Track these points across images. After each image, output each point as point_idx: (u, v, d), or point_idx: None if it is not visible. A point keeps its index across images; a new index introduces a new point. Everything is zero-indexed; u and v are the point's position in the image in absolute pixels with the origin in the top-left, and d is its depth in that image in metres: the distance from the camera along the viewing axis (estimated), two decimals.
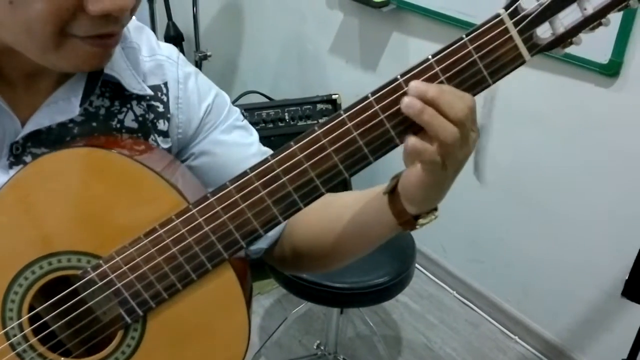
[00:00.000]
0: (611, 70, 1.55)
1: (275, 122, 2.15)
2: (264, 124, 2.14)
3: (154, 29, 2.66)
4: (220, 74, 3.02)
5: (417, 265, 2.28)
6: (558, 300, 1.92)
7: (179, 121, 0.73)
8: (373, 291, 1.51)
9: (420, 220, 0.63)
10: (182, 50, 2.62)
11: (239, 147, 0.76)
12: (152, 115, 0.71)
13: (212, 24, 2.96)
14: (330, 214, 0.73)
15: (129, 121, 0.69)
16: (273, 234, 0.77)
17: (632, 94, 1.55)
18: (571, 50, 0.55)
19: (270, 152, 0.79)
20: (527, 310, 2.03)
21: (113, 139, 0.67)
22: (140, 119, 0.70)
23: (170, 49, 0.74)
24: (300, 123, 2.15)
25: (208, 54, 2.62)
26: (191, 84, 0.74)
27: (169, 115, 0.72)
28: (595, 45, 1.54)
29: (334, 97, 2.18)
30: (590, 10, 0.53)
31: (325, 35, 2.41)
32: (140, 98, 0.70)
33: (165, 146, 0.72)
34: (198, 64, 2.66)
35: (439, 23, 1.91)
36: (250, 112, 2.11)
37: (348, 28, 2.32)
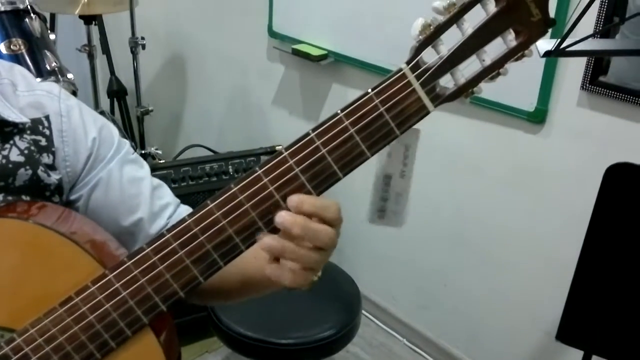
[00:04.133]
0: (537, 117, 1.62)
1: (219, 175, 2.13)
2: (207, 178, 2.12)
3: (95, 83, 2.63)
4: (164, 128, 3.00)
5: (366, 313, 2.26)
6: (504, 343, 1.93)
7: (66, 154, 0.72)
8: (319, 345, 1.49)
9: None
10: (125, 105, 2.60)
11: (132, 182, 0.76)
12: (35, 149, 0.70)
13: (155, 78, 2.96)
14: None
15: (15, 156, 0.68)
16: None
17: (558, 140, 1.62)
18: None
19: (162, 183, 0.79)
20: (475, 355, 2.03)
21: (9, 205, 0.65)
22: (26, 151, 0.69)
23: (50, 85, 0.75)
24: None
25: (150, 108, 2.61)
26: (75, 117, 0.74)
27: (53, 149, 0.71)
28: (522, 94, 1.60)
29: (277, 148, 2.19)
30: (488, 61, 0.56)
31: (268, 88, 2.44)
32: (21, 132, 0.69)
33: (56, 177, 0.71)
34: (140, 119, 2.63)
35: (375, 74, 1.97)
36: (194, 166, 2.09)
37: (289, 81, 2.36)
